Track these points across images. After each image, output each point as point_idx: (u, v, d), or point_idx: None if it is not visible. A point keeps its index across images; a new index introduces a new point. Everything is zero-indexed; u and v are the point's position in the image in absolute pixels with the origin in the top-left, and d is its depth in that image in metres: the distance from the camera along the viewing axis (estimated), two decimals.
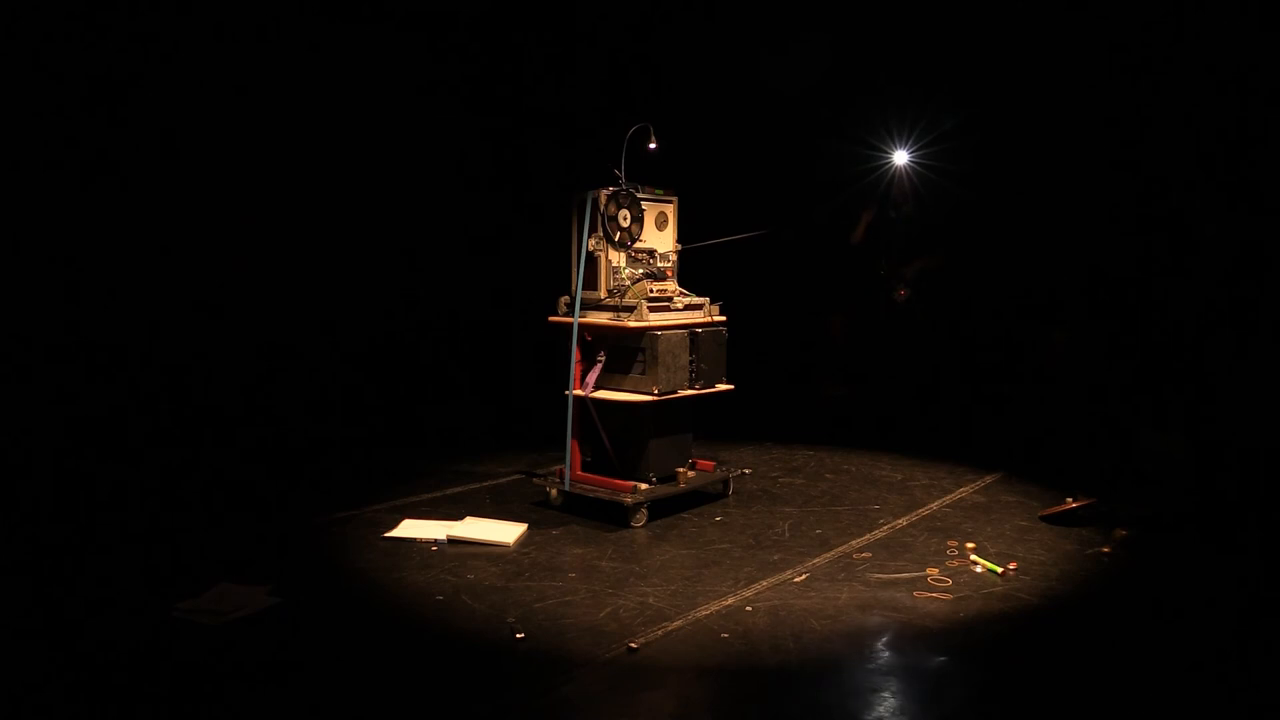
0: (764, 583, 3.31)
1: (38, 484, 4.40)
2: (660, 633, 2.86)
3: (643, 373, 4.03)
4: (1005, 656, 2.79)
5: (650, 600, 3.13)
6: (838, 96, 6.67)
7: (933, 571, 3.44)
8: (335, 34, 5.98)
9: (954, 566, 3.50)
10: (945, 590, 3.26)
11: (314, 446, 5.50)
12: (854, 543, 3.79)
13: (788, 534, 3.92)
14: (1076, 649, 2.84)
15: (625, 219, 4.21)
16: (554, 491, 4.27)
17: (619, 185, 4.16)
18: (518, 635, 2.83)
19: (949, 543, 3.78)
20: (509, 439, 5.77)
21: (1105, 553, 3.65)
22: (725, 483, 4.54)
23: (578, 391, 4.16)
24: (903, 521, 4.10)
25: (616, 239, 4.18)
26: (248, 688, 2.54)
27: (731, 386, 4.33)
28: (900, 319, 6.53)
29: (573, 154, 6.61)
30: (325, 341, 6.17)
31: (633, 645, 2.75)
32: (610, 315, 4.11)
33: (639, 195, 4.26)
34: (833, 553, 3.66)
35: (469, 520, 3.93)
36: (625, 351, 4.10)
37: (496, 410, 6.70)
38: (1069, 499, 4.14)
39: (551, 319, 4.30)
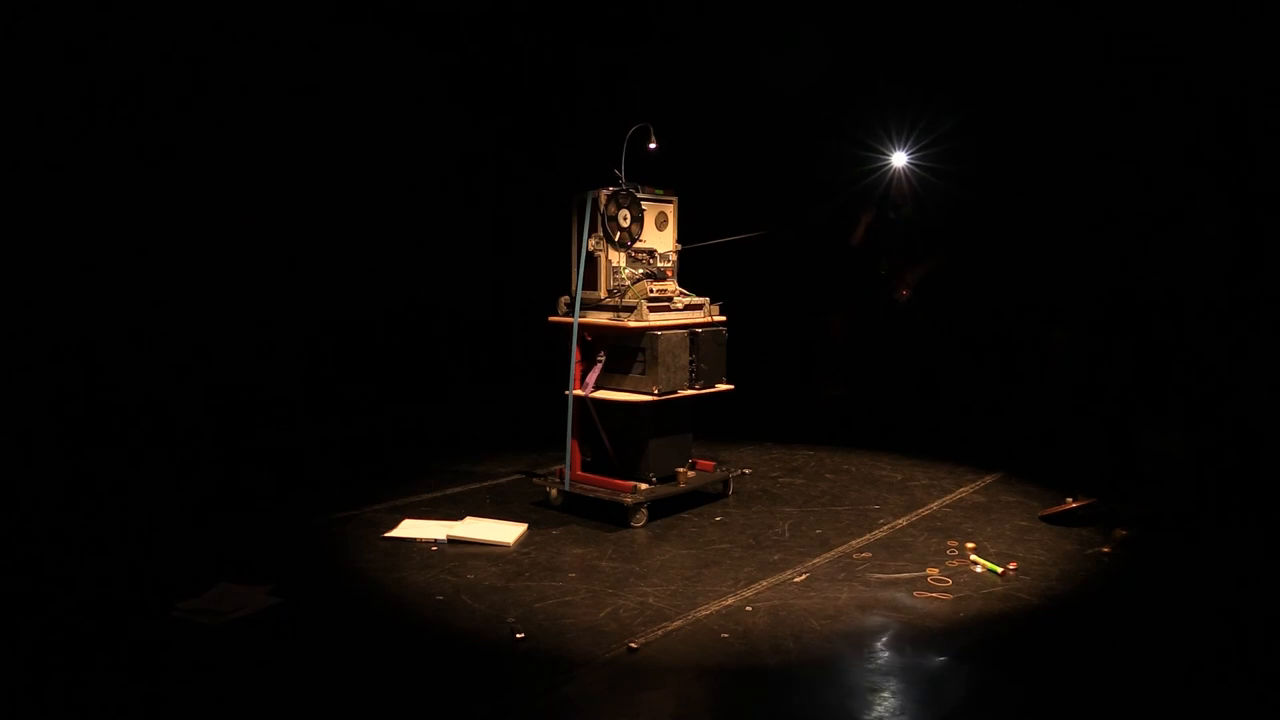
0: (764, 583, 3.31)
1: (38, 483, 4.40)
2: (660, 633, 2.86)
3: (643, 373, 4.03)
4: (1005, 656, 2.79)
5: (650, 600, 3.13)
6: (838, 97, 6.67)
7: (933, 571, 3.44)
8: (335, 34, 5.98)
9: (954, 566, 3.50)
10: (945, 590, 3.26)
11: (314, 446, 5.50)
12: (854, 543, 3.79)
13: (788, 534, 3.92)
14: (1076, 649, 2.84)
15: (625, 219, 4.21)
16: (554, 491, 4.27)
17: (619, 185, 4.16)
18: (518, 635, 2.83)
19: (949, 543, 3.78)
20: (509, 439, 5.76)
21: (1105, 553, 3.65)
22: (725, 483, 4.54)
23: (578, 391, 4.16)
24: (903, 521, 4.10)
25: (616, 239, 4.18)
26: (248, 688, 2.54)
27: (731, 386, 4.33)
28: (900, 319, 6.53)
29: (573, 154, 6.61)
30: (325, 341, 6.17)
31: (633, 645, 2.75)
32: (610, 315, 4.11)
33: (639, 195, 4.26)
34: (833, 553, 3.66)
35: (469, 520, 3.93)
36: (625, 351, 4.10)
37: (496, 410, 6.70)
38: (1069, 499, 4.14)
39: (551, 319, 4.30)
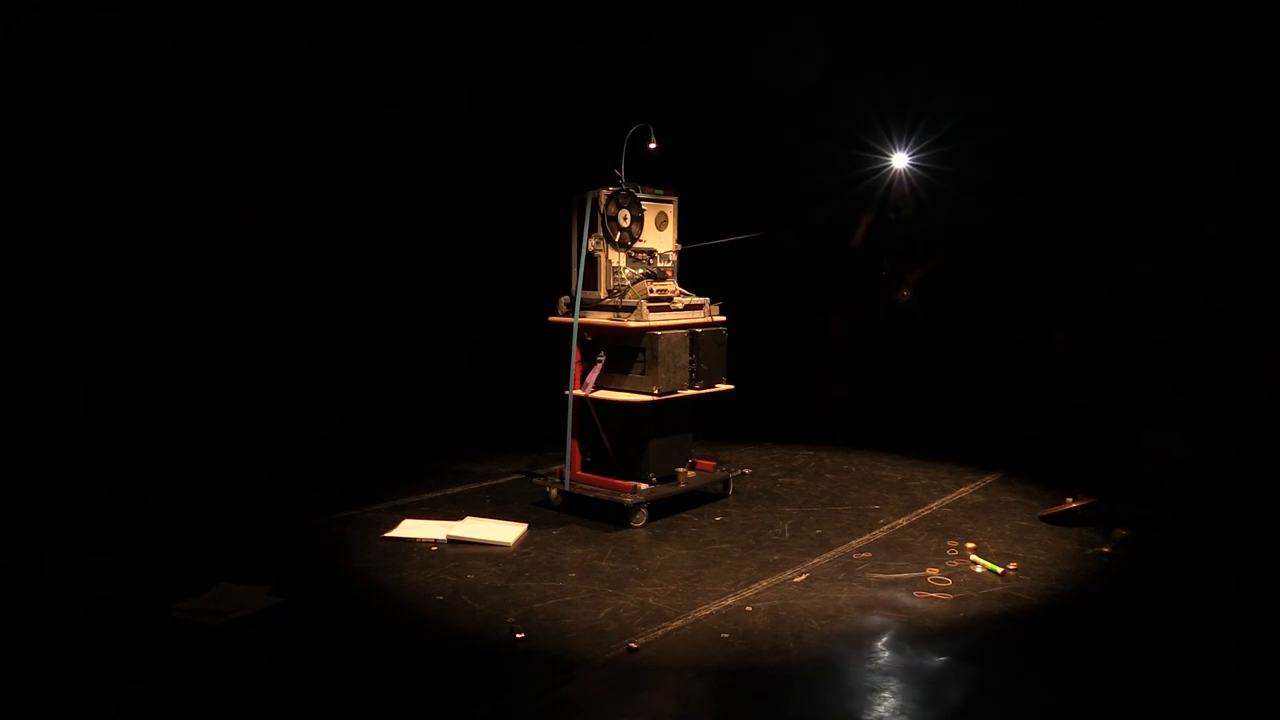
0: (764, 583, 3.31)
1: (37, 483, 4.40)
2: (660, 633, 2.86)
3: (643, 373, 4.03)
4: (1005, 656, 2.79)
5: (650, 600, 3.13)
6: (837, 98, 6.67)
7: (933, 571, 3.44)
8: (334, 33, 5.98)
9: (954, 566, 3.50)
10: (945, 590, 3.26)
11: (314, 446, 5.50)
12: (854, 543, 3.79)
13: (788, 534, 3.92)
14: (1076, 649, 2.84)
15: (625, 219, 4.21)
16: (554, 491, 4.27)
17: (619, 185, 4.16)
18: (518, 635, 2.83)
19: (949, 543, 3.78)
20: (509, 439, 5.76)
21: (1105, 553, 3.65)
22: (725, 483, 4.54)
23: (578, 391, 4.16)
24: (903, 521, 4.10)
25: (616, 239, 4.18)
26: (248, 688, 2.54)
27: (731, 386, 4.33)
28: (900, 319, 6.53)
29: (572, 154, 6.61)
30: (325, 340, 6.17)
31: (633, 645, 2.75)
32: (610, 315, 4.11)
33: (639, 195, 4.26)
34: (833, 553, 3.66)
35: (469, 520, 3.93)
36: (625, 351, 4.10)
37: (496, 410, 6.70)
38: (1069, 499, 4.14)
39: (551, 319, 4.30)
